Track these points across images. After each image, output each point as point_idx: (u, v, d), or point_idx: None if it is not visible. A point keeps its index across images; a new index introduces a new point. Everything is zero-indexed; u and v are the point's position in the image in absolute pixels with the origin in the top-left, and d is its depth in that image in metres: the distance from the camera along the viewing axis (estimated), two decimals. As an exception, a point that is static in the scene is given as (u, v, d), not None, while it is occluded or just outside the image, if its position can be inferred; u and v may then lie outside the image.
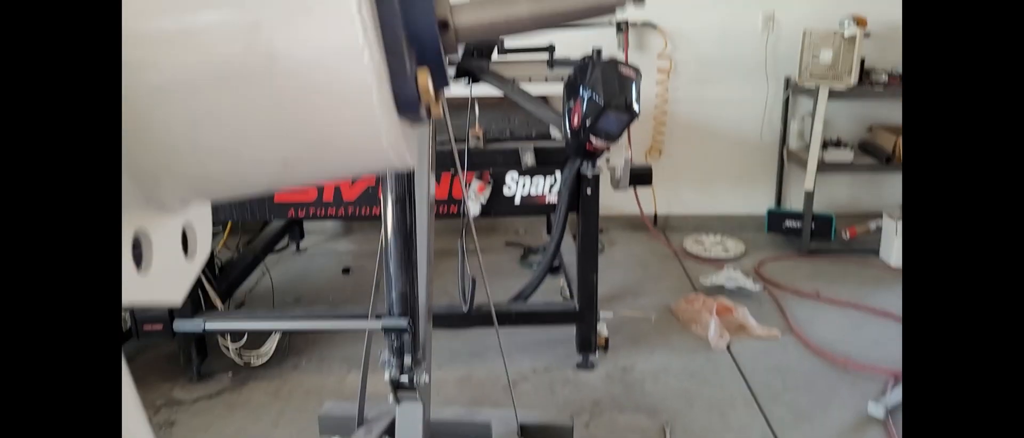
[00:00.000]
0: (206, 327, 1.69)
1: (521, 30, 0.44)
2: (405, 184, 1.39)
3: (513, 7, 0.44)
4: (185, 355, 2.36)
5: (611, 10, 0.44)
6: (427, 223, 1.43)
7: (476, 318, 2.32)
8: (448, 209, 2.33)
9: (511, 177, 2.30)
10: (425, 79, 0.40)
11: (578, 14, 0.44)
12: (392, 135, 0.39)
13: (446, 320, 2.36)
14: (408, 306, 1.46)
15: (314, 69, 0.36)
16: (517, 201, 2.32)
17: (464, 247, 2.25)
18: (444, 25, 0.42)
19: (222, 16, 0.36)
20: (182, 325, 2.10)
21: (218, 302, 2.44)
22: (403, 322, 1.44)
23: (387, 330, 1.45)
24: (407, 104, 0.40)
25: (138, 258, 0.40)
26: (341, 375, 2.44)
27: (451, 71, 0.44)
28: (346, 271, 3.35)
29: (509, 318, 2.40)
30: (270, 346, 2.47)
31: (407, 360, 1.47)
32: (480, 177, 2.27)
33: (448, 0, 0.43)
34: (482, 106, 2.33)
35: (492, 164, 2.28)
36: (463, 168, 2.18)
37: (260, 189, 0.43)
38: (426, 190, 1.39)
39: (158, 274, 0.41)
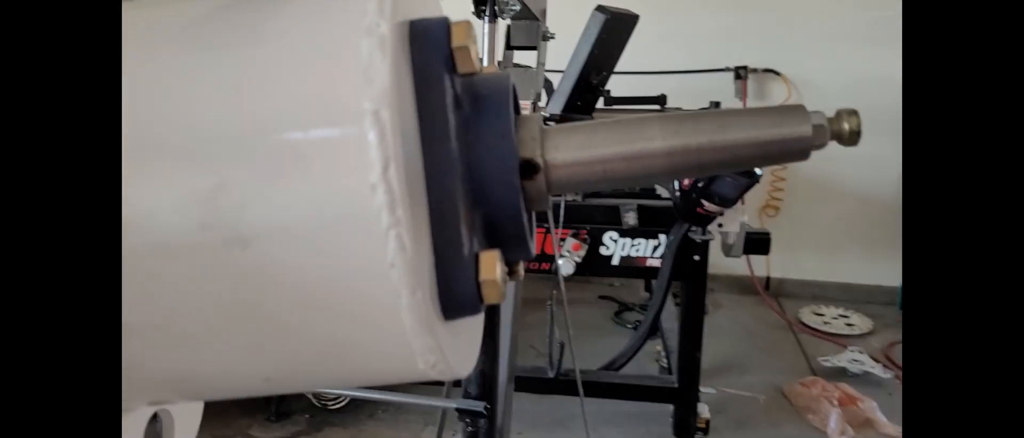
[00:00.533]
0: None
1: (651, 176, 0.28)
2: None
3: (639, 139, 0.27)
4: (266, 392, 2.35)
5: (802, 155, 0.28)
6: (513, 297, 1.29)
7: (562, 384, 2.16)
8: (539, 265, 2.18)
9: (610, 236, 2.12)
10: (492, 266, 0.24)
11: (742, 153, 0.28)
12: (431, 355, 0.24)
13: (530, 383, 2.20)
14: (487, 388, 1.31)
15: (306, 262, 0.22)
16: (615, 261, 2.14)
17: (553, 308, 2.09)
18: (530, 168, 0.27)
19: (167, 173, 0.22)
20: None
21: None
22: (479, 406, 1.29)
23: (462, 412, 1.31)
24: (459, 307, 0.24)
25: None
26: (416, 430, 2.33)
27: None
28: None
29: (598, 389, 2.21)
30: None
31: (481, 448, 1.32)
32: (576, 234, 2.11)
33: (539, 128, 0.27)
34: (583, 158, 2.18)
35: (590, 221, 2.12)
36: (558, 223, 2.03)
37: (248, 395, 0.30)
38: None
39: None
